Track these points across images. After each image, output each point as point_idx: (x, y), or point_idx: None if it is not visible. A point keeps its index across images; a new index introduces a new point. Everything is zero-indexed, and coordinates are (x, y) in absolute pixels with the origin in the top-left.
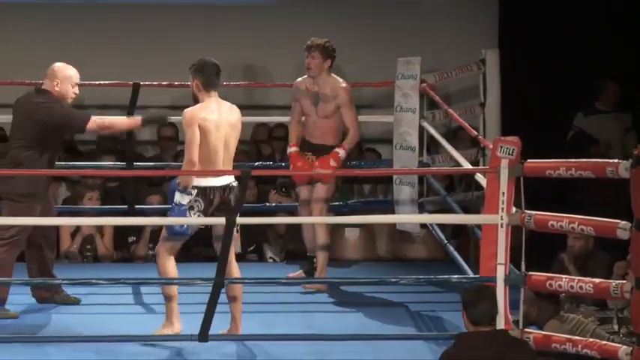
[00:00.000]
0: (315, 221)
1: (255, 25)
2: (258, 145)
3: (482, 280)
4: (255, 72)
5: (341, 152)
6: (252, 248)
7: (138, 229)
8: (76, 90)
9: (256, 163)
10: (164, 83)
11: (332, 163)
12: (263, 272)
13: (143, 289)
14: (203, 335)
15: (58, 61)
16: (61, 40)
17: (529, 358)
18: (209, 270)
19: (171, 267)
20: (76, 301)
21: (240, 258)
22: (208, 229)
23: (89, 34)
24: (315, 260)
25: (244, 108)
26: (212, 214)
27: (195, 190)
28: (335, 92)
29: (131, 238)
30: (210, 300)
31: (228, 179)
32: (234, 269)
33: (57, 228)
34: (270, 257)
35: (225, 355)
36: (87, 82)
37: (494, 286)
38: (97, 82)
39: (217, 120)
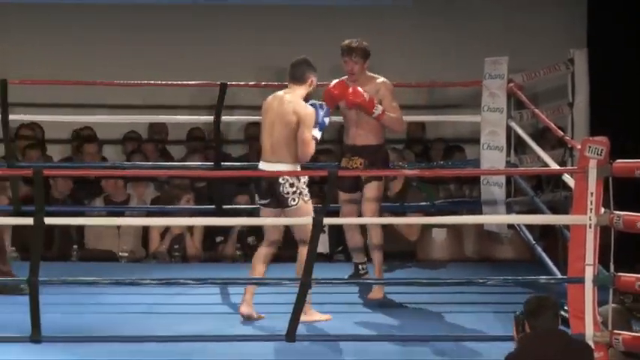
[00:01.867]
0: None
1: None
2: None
3: (571, 282)
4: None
5: (379, 107)
6: (340, 249)
7: (225, 230)
8: None
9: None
10: (251, 83)
11: (365, 96)
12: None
13: (230, 289)
14: (290, 335)
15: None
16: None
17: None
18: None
19: None
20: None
21: (327, 258)
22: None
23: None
24: (360, 267)
25: None
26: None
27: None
28: (376, 88)
29: (219, 238)
30: (297, 300)
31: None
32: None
33: None
34: None
35: (313, 355)
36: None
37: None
38: (185, 83)
39: (267, 107)
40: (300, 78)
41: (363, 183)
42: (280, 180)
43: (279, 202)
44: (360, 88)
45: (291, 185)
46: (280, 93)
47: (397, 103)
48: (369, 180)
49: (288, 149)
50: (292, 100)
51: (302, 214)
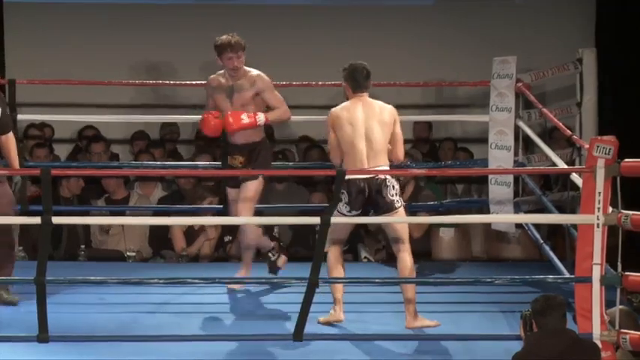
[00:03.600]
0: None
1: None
2: None
3: (579, 281)
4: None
5: (260, 117)
6: (345, 248)
7: (233, 229)
8: None
9: None
10: (320, 83)
11: (244, 118)
12: (357, 272)
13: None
14: (298, 334)
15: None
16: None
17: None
18: (305, 270)
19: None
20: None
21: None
22: (307, 228)
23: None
24: (271, 255)
25: None
26: (362, 207)
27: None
28: (251, 81)
29: (227, 238)
30: (304, 299)
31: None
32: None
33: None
34: (365, 257)
35: (320, 354)
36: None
37: (563, 297)
38: (194, 83)
39: (353, 117)
40: (369, 85)
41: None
42: (387, 183)
43: (385, 207)
44: (236, 111)
45: (393, 187)
46: (361, 100)
47: (277, 91)
48: (245, 179)
49: (385, 152)
50: (382, 104)
51: (403, 215)
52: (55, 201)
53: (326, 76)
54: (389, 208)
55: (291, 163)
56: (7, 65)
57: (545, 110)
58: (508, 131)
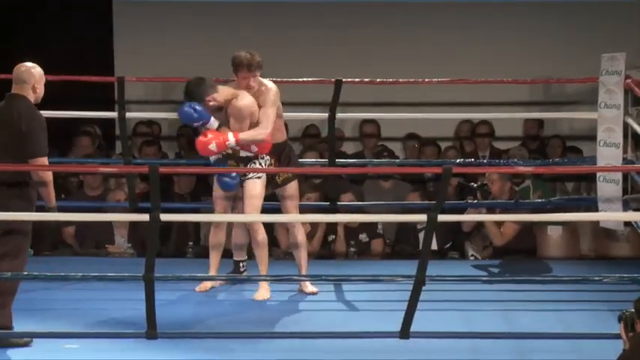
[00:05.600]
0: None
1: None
2: (461, 142)
3: None
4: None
5: (230, 140)
6: (448, 245)
7: (334, 227)
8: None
9: (458, 160)
10: (366, 80)
11: (212, 148)
12: (464, 270)
13: (344, 286)
14: (404, 332)
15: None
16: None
17: None
18: (411, 267)
19: None
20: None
21: (439, 255)
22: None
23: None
24: (241, 265)
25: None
26: None
27: None
28: (259, 94)
29: (331, 237)
30: (411, 297)
31: None
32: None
33: None
34: (472, 255)
35: (426, 352)
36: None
37: None
38: (300, 80)
39: None
40: None
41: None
42: None
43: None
44: (203, 138)
45: None
46: None
47: (272, 109)
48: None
49: None
50: None
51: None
52: (168, 198)
53: (430, 74)
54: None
55: (397, 160)
56: (116, 64)
57: None
58: (617, 128)
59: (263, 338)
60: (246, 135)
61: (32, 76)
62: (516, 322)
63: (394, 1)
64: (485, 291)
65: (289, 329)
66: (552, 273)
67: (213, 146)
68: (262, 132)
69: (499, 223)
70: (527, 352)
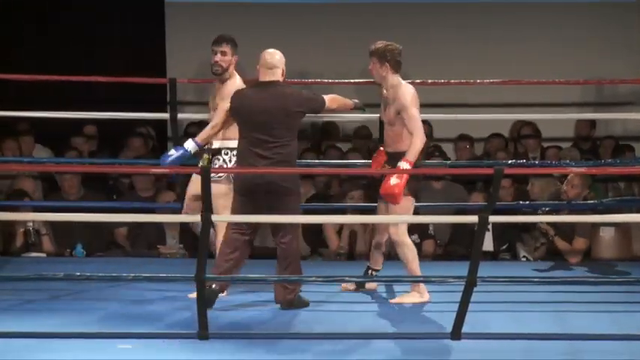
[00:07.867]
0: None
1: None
2: (515, 143)
3: None
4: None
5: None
6: (504, 247)
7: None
8: None
9: (510, 162)
10: (417, 81)
11: (393, 181)
12: (516, 271)
13: (396, 287)
14: (456, 333)
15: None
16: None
17: None
18: (461, 268)
19: None
20: None
21: (493, 256)
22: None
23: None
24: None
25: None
26: None
27: None
28: (394, 96)
29: None
30: (462, 298)
31: None
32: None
33: None
34: (524, 256)
35: (478, 353)
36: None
37: None
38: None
39: None
40: None
41: None
42: None
43: None
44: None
45: None
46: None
47: (416, 108)
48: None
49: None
50: None
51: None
52: None
53: (486, 74)
54: None
55: (448, 162)
56: (169, 65)
57: None
58: None
59: (314, 339)
60: (204, 134)
61: (280, 61)
62: (569, 323)
63: (444, 1)
64: (537, 292)
65: (342, 329)
66: (605, 274)
67: (395, 180)
68: (418, 132)
69: (567, 238)
70: (580, 353)
